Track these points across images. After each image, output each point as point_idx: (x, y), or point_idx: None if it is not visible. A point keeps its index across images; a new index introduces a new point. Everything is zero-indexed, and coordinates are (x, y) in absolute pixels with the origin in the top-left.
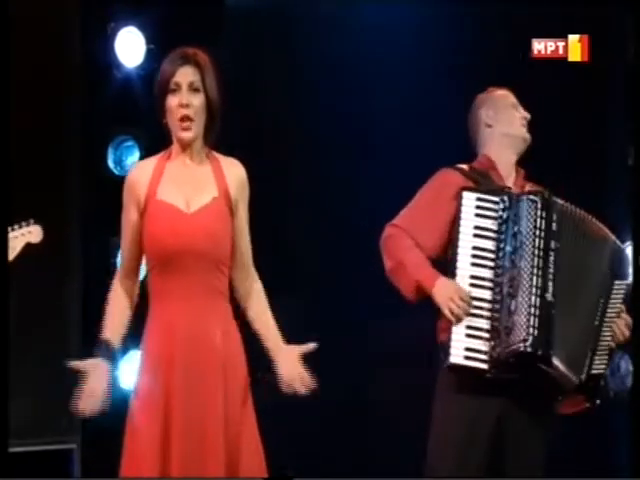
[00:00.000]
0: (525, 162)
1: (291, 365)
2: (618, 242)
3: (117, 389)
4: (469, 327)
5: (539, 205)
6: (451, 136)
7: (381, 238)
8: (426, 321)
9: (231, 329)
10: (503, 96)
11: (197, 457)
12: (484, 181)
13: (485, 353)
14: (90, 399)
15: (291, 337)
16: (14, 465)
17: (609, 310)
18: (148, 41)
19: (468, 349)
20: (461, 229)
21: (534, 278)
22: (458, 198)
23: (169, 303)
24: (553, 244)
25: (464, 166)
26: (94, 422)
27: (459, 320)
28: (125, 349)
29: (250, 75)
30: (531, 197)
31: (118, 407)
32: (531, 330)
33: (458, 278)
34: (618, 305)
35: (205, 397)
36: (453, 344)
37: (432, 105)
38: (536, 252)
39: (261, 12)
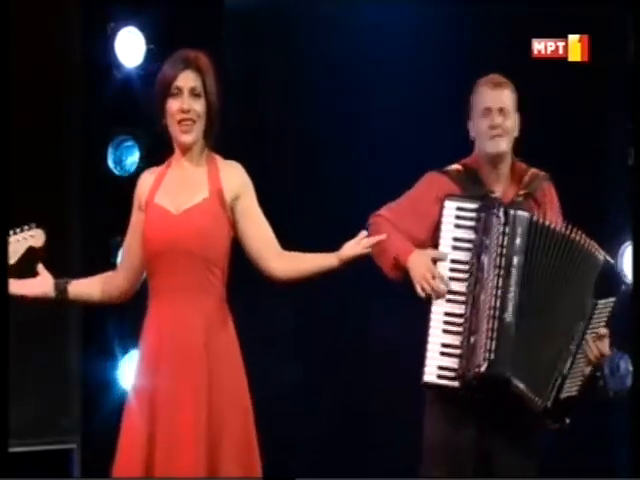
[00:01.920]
0: (525, 162)
1: (350, 247)
2: (608, 258)
3: (117, 389)
4: (443, 345)
5: (502, 220)
6: (451, 136)
7: (366, 226)
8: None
9: (221, 330)
10: (478, 99)
11: (175, 455)
12: (471, 186)
13: (456, 371)
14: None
15: (290, 337)
16: (14, 465)
17: (589, 332)
18: (148, 41)
19: (441, 367)
20: (441, 241)
21: (492, 299)
22: (441, 204)
23: (160, 302)
24: (516, 260)
25: (454, 167)
26: (94, 422)
27: (428, 297)
28: (125, 349)
29: (250, 75)
30: (494, 211)
31: (118, 407)
32: (487, 354)
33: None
34: (601, 326)
35: (184, 396)
36: (428, 362)
37: (432, 105)
38: (496, 271)
39: (261, 12)
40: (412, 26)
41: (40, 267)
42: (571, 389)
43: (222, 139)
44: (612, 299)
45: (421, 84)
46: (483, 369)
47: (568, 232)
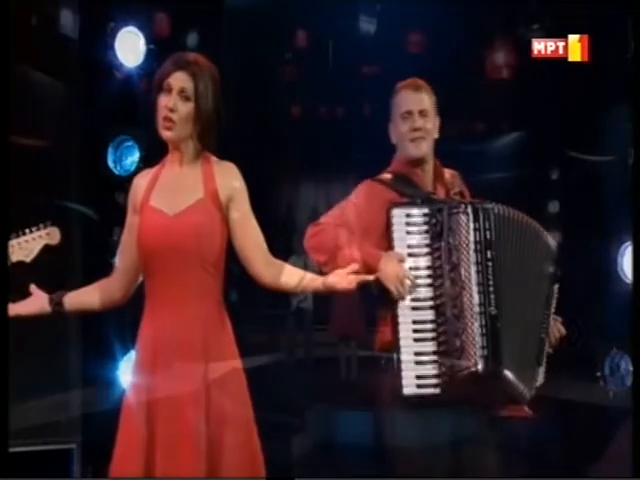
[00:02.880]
0: (526, 163)
1: (337, 275)
2: (555, 243)
3: (117, 389)
4: (417, 354)
5: (471, 217)
6: (450, 136)
7: (305, 240)
8: None
9: (219, 330)
10: (399, 103)
11: (176, 458)
12: (407, 189)
13: (436, 377)
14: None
15: (289, 336)
16: (14, 465)
17: (551, 317)
18: (148, 41)
19: (419, 377)
20: (395, 251)
21: (476, 295)
22: (388, 213)
23: (155, 303)
24: (489, 254)
25: (385, 176)
26: (94, 422)
27: (402, 299)
28: (125, 349)
29: (250, 75)
30: (462, 209)
31: (118, 407)
32: (480, 351)
33: (398, 302)
34: (553, 311)
35: (184, 397)
36: (404, 374)
37: None
38: (474, 268)
39: (261, 12)
40: (412, 26)
41: (32, 287)
42: (540, 376)
43: (221, 139)
44: (558, 284)
45: None
46: (479, 367)
47: (526, 221)
